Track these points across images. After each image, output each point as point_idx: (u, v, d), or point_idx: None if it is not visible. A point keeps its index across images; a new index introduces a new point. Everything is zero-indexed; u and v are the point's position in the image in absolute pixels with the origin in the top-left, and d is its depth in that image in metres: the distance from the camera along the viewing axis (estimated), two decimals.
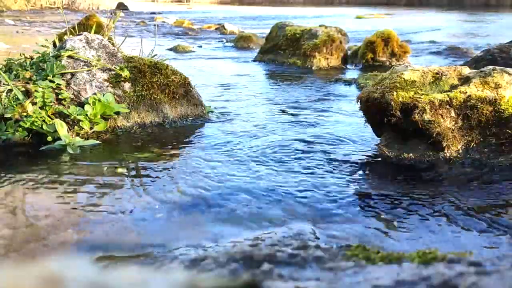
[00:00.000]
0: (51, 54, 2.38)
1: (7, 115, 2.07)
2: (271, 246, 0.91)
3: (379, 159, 2.02)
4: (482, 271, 0.62)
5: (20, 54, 2.43)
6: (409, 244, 1.30)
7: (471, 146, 1.92)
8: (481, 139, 1.91)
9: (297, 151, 2.11)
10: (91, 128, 2.24)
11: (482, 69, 2.04)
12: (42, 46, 2.51)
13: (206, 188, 1.68)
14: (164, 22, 11.87)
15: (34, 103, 2.12)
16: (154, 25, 10.45)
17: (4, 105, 2.09)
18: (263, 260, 0.79)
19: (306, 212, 1.50)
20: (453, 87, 2.00)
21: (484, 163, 1.88)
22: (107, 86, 2.38)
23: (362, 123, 2.29)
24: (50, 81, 2.22)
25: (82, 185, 1.69)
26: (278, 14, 17.13)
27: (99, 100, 2.24)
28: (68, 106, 2.21)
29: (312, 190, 1.67)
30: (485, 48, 4.32)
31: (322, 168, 1.90)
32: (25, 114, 2.07)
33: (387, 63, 4.89)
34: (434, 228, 1.40)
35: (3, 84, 2.17)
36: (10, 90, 2.13)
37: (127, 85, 2.44)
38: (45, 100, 2.13)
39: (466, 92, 1.93)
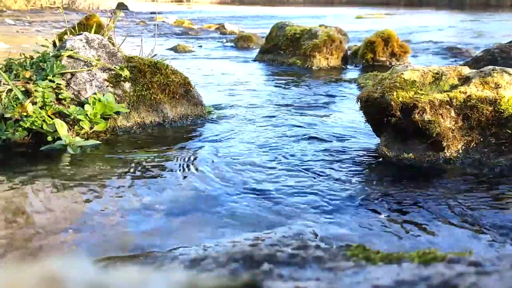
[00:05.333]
0: (51, 54, 2.38)
1: (7, 115, 2.06)
2: (271, 246, 0.91)
3: (379, 159, 2.02)
4: (482, 271, 0.62)
5: (20, 54, 2.43)
6: (409, 244, 1.30)
7: (471, 146, 1.92)
8: (481, 139, 1.91)
9: (296, 151, 2.11)
10: (91, 128, 2.24)
11: (482, 69, 2.04)
12: (42, 46, 2.51)
13: (206, 187, 1.68)
14: (164, 22, 11.87)
15: (34, 103, 2.12)
16: (154, 25, 10.45)
17: (4, 105, 2.09)
18: (263, 260, 0.79)
19: (306, 212, 1.50)
20: (453, 87, 2.00)
21: (484, 163, 1.88)
22: (107, 86, 2.38)
23: (362, 123, 2.29)
24: (50, 80, 2.21)
25: (82, 185, 1.69)
26: (278, 14, 17.12)
27: (99, 100, 2.24)
28: (68, 106, 2.21)
29: (312, 190, 1.67)
30: (485, 48, 4.32)
31: (321, 168, 1.90)
32: (25, 114, 2.07)
33: (387, 63, 4.89)
34: (434, 228, 1.40)
35: (3, 84, 2.17)
36: (10, 90, 2.13)
37: (127, 85, 2.44)
38: (45, 100, 2.13)
39: (466, 92, 1.93)
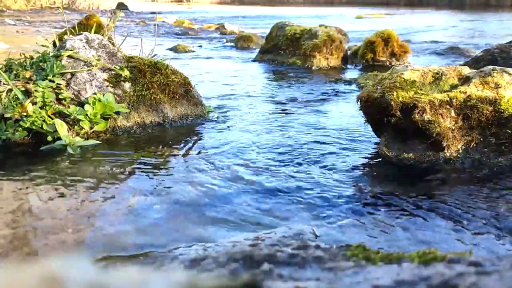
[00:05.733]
0: (51, 54, 2.38)
1: (7, 115, 2.06)
2: (271, 246, 0.91)
3: (379, 159, 2.02)
4: (482, 271, 0.62)
5: (20, 54, 2.43)
6: (409, 244, 1.30)
7: (471, 146, 1.92)
8: (481, 139, 1.91)
9: (296, 151, 2.11)
10: (91, 128, 2.24)
11: (482, 69, 2.04)
12: (42, 46, 2.51)
13: (206, 187, 1.68)
14: (164, 22, 11.87)
15: (34, 103, 2.12)
16: (154, 25, 10.45)
17: (4, 105, 2.09)
18: (263, 260, 0.79)
19: (306, 212, 1.50)
20: (453, 87, 2.00)
21: (484, 163, 1.88)
22: (107, 86, 2.38)
23: (362, 123, 2.29)
24: (50, 80, 2.21)
25: (82, 185, 1.69)
26: (278, 14, 17.12)
27: (99, 100, 2.24)
28: (68, 106, 2.21)
29: (312, 190, 1.67)
30: (485, 48, 4.32)
31: (322, 168, 1.90)
32: (25, 113, 2.07)
33: (387, 63, 4.89)
34: (434, 228, 1.40)
35: (3, 84, 2.17)
36: (10, 90, 2.13)
37: (127, 85, 2.44)
38: (45, 99, 2.13)
39: (466, 92, 1.93)
